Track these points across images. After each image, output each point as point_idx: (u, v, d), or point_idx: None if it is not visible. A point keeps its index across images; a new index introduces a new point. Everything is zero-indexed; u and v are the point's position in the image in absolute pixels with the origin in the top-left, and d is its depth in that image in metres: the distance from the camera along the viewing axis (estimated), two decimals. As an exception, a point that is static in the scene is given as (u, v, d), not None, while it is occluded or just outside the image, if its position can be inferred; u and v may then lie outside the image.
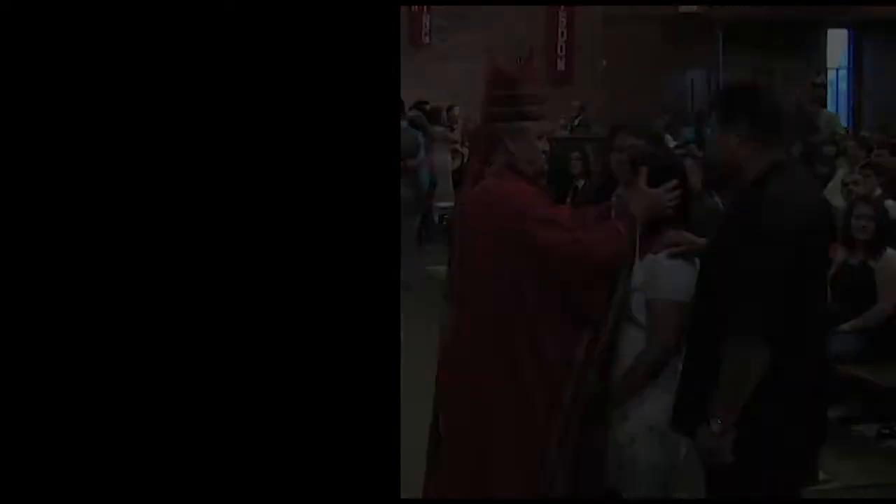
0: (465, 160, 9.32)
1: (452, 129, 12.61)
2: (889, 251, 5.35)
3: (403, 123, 9.15)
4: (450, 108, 13.09)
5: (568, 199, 7.08)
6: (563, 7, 17.35)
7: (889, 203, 6.31)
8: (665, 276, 2.91)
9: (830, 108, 20.20)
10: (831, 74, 20.10)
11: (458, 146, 12.07)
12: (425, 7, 16.38)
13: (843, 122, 19.52)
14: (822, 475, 4.62)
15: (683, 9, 17.96)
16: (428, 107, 11.85)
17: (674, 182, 2.98)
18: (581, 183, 8.09)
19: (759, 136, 2.67)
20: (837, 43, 20.05)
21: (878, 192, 6.89)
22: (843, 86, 20.38)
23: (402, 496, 2.22)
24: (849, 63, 20.15)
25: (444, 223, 10.36)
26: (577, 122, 13.96)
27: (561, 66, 17.58)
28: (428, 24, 16.47)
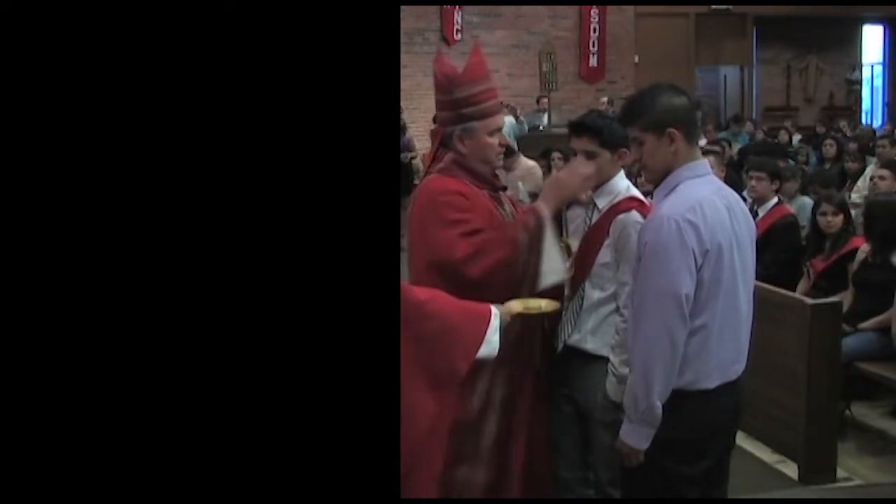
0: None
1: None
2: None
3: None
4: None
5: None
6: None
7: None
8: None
9: (866, 103, 20.06)
10: (866, 70, 19.90)
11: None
12: (457, 5, 16.40)
13: (879, 118, 19.36)
14: (841, 472, 4.64)
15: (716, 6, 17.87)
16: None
17: (581, 160, 3.04)
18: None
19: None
20: (873, 38, 19.82)
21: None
22: (879, 81, 20.15)
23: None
24: (884, 58, 19.91)
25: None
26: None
27: (593, 62, 17.54)
28: (460, 21, 16.49)
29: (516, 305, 2.79)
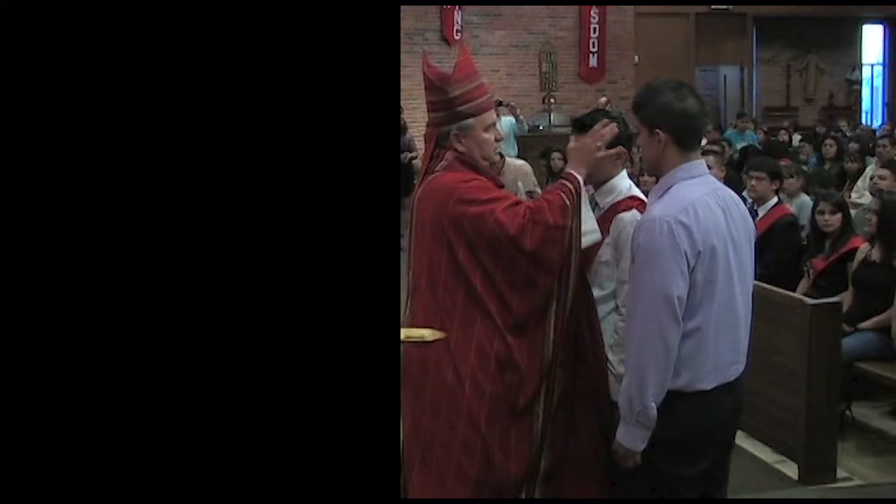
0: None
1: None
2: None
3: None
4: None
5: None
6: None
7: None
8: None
9: (866, 103, 20.05)
10: (866, 70, 19.89)
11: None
12: (457, 5, 16.41)
13: (879, 118, 19.36)
14: (841, 472, 4.64)
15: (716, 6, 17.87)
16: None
17: (603, 121, 3.03)
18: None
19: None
20: (873, 38, 19.81)
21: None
22: (879, 81, 20.14)
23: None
24: (884, 58, 19.90)
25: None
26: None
27: (593, 62, 17.53)
28: (460, 21, 16.49)
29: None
